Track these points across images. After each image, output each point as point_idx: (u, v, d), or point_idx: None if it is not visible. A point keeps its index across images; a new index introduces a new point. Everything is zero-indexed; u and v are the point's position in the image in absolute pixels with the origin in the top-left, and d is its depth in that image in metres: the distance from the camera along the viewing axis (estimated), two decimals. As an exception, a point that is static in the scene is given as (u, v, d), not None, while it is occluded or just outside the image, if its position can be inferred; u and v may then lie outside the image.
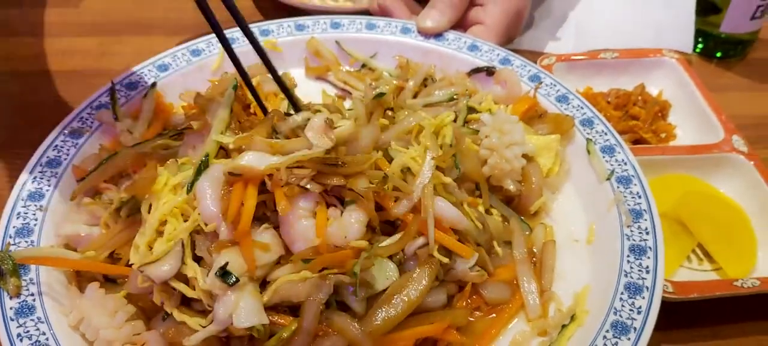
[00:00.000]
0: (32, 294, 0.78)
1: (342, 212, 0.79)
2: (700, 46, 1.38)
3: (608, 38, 1.36)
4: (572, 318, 0.81)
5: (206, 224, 0.78)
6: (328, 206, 0.80)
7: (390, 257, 0.80)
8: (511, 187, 0.92)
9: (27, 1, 1.51)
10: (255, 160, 0.78)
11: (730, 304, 0.91)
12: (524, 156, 0.93)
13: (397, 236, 0.80)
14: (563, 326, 0.80)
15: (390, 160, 0.87)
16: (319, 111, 0.89)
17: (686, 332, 0.90)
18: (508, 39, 1.28)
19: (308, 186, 0.77)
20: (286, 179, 0.76)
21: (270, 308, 0.76)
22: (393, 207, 0.81)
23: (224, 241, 0.77)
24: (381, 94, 0.97)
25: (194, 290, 0.77)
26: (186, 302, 0.79)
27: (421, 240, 0.80)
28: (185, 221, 0.80)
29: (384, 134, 0.92)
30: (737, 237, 0.97)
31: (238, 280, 0.73)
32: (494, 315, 0.84)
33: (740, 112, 1.18)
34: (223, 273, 0.73)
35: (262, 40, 1.18)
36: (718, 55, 1.37)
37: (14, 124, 1.20)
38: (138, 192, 0.82)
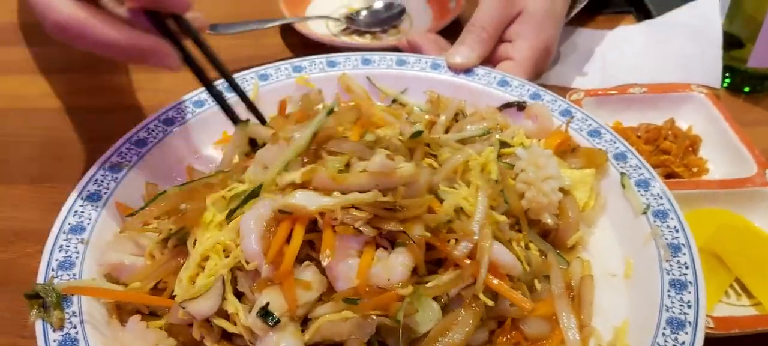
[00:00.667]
0: (75, 327, 0.78)
1: (390, 252, 0.79)
2: (727, 81, 1.38)
3: (635, 73, 1.37)
4: (613, 353, 0.80)
5: (247, 262, 0.78)
6: (377, 246, 0.79)
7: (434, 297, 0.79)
8: (549, 220, 0.92)
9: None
10: (305, 199, 0.77)
11: (770, 338, 0.90)
12: (560, 190, 0.93)
13: (445, 277, 0.79)
14: (605, 362, 0.80)
15: (440, 201, 0.86)
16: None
17: (727, 368, 0.89)
18: (537, 74, 1.29)
19: (362, 229, 0.77)
20: (341, 218, 0.76)
21: (311, 346, 0.76)
22: (451, 249, 0.81)
23: (266, 279, 0.76)
24: (418, 133, 0.96)
25: (235, 325, 0.77)
26: (227, 336, 0.79)
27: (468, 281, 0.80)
28: (227, 256, 0.80)
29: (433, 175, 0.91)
30: (775, 272, 0.97)
31: (279, 320, 0.73)
32: (534, 351, 0.83)
33: (771, 146, 1.17)
34: (265, 313, 0.73)
35: (294, 76, 1.20)
36: (746, 90, 1.37)
37: (50, 158, 1.22)
38: (188, 223, 0.83)
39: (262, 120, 1.05)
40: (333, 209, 0.76)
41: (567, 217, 0.94)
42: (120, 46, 0.82)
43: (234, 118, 1.02)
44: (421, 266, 0.79)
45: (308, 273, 0.78)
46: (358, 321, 0.74)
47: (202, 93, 1.14)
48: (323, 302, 0.77)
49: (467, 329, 0.77)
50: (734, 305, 0.96)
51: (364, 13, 1.57)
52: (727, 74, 1.38)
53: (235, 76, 1.17)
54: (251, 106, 1.06)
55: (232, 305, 0.77)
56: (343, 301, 0.75)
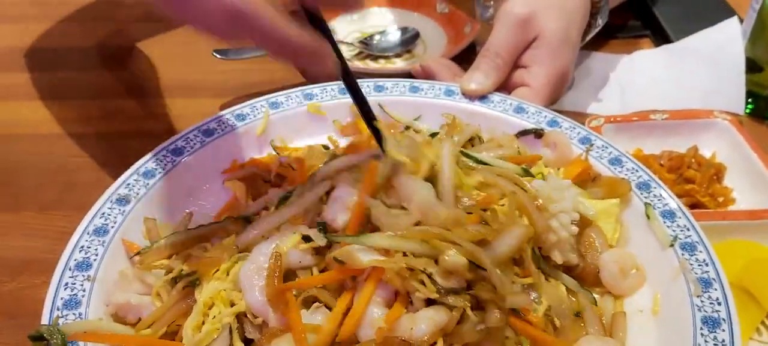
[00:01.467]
0: (81, 370, 0.76)
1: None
2: (749, 106, 1.35)
3: (654, 99, 1.33)
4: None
5: (254, 316, 0.77)
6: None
7: None
8: (563, 258, 0.88)
9: (73, 65, 1.54)
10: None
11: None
12: (584, 221, 0.90)
13: None
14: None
15: None
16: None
17: (761, 410, 0.85)
18: (553, 101, 1.27)
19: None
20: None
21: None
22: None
23: (274, 329, 0.74)
24: None
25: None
26: (235, 382, 0.76)
27: None
28: (232, 305, 0.78)
29: None
30: (809, 306, 0.92)
31: None
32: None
33: (796, 173, 1.13)
34: None
35: (305, 103, 1.18)
36: (769, 116, 1.34)
37: (59, 186, 1.20)
38: (201, 269, 0.81)
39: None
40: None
41: (595, 250, 0.90)
42: (291, 43, 0.71)
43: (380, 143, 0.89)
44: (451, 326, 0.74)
45: (318, 316, 0.75)
46: None
47: (211, 122, 1.11)
48: None
49: None
50: (766, 344, 0.91)
51: (377, 37, 1.56)
52: (749, 100, 1.34)
53: (246, 104, 1.16)
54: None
55: (240, 351, 0.75)
56: None
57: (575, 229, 0.90)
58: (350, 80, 0.88)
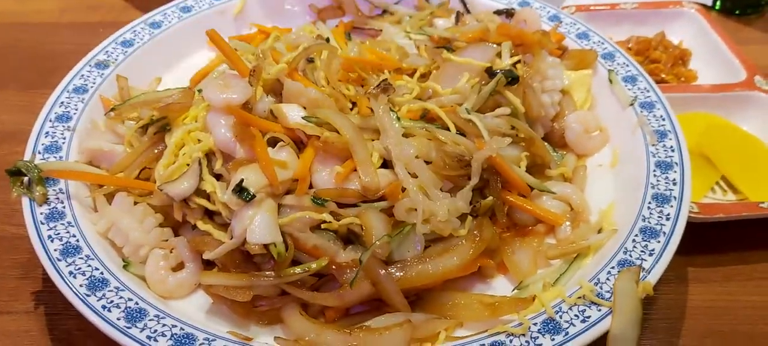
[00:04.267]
0: (62, 202, 0.78)
1: None
2: (718, 4, 1.38)
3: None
4: (599, 232, 0.81)
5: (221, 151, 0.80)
6: None
7: None
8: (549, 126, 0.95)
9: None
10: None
11: (755, 228, 0.90)
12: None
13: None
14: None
15: None
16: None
17: (712, 257, 0.89)
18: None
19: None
20: None
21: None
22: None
23: (241, 159, 0.77)
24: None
25: (214, 204, 0.77)
26: (210, 215, 0.79)
27: None
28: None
29: None
30: (760, 166, 0.97)
31: (254, 196, 0.73)
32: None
33: (763, 63, 1.16)
34: (240, 190, 0.73)
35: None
36: (737, 12, 1.37)
37: (42, 69, 1.21)
38: (170, 114, 0.84)
39: None
40: None
41: (563, 115, 0.95)
42: None
43: None
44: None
45: (283, 154, 0.78)
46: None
47: (188, 0, 1.13)
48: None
49: (464, 258, 0.76)
50: (720, 200, 0.96)
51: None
52: (717, -1, 1.38)
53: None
54: None
55: (210, 184, 0.77)
56: (312, 200, 0.75)
57: (558, 97, 0.95)
58: None
